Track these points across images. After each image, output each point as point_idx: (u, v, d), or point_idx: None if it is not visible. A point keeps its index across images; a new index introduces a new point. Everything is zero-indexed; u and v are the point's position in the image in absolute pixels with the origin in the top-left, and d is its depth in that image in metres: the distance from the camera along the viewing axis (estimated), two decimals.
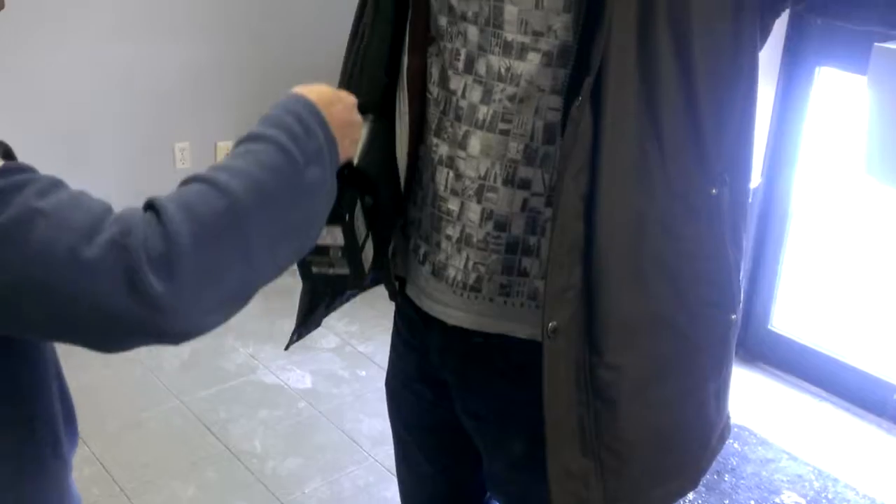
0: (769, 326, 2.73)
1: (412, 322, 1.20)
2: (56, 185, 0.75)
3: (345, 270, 1.02)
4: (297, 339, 1.28)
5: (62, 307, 0.72)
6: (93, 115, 3.08)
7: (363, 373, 2.72)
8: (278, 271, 0.83)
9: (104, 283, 0.71)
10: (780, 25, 0.98)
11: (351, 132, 0.95)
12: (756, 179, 2.60)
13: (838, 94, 2.49)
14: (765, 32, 0.98)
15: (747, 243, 1.19)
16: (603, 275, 0.96)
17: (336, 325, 2.90)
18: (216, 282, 0.76)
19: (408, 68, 1.09)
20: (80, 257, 0.70)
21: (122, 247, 0.71)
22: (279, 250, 0.82)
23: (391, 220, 1.12)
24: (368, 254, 1.04)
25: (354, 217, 0.98)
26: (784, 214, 2.64)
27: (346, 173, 0.96)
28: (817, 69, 2.48)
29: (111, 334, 0.75)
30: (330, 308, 1.27)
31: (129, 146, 3.19)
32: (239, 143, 0.84)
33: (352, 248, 1.00)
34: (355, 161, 0.99)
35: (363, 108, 1.01)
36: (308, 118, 0.86)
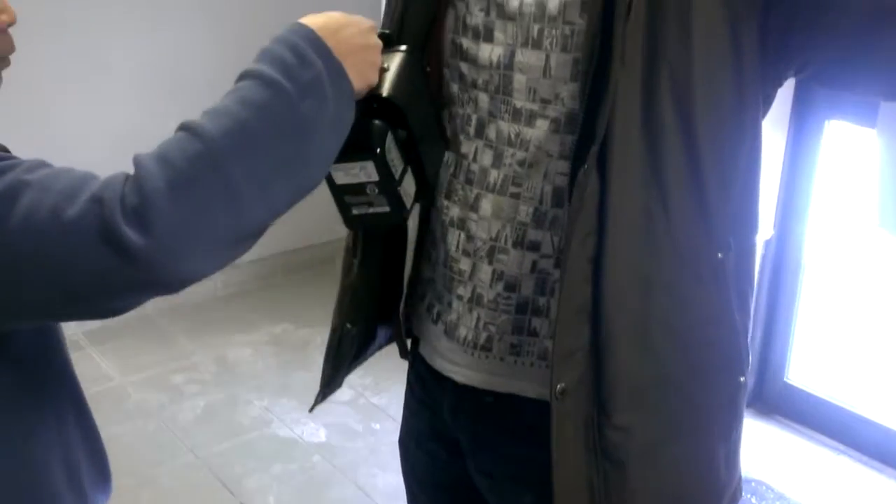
0: (785, 379, 2.71)
1: (425, 381, 1.21)
2: (44, 164, 0.77)
3: (384, 207, 0.98)
4: (322, 400, 1.30)
5: (53, 273, 0.72)
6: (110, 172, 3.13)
7: (377, 426, 2.72)
8: (276, 209, 0.80)
9: (85, 238, 0.71)
10: (789, 80, 0.99)
11: (367, 56, 0.90)
12: (768, 231, 2.61)
13: (847, 147, 2.50)
14: (767, 101, 1.00)
15: (754, 305, 1.19)
16: (611, 337, 0.97)
17: (350, 378, 2.86)
18: (200, 227, 0.74)
19: None
20: (63, 217, 0.71)
21: (99, 201, 0.72)
22: (271, 188, 0.79)
23: (434, 153, 1.06)
24: (409, 188, 1.00)
25: (386, 150, 0.94)
26: (797, 266, 2.64)
27: (376, 106, 0.94)
28: (826, 122, 2.50)
29: (103, 293, 0.74)
30: (352, 367, 1.28)
31: None
32: (241, 77, 0.82)
33: (387, 182, 0.96)
34: (385, 92, 0.94)
35: (391, 40, 0.97)
36: (304, 47, 0.82)
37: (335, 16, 0.88)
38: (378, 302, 1.21)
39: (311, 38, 0.83)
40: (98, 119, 3.04)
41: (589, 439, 0.99)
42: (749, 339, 1.06)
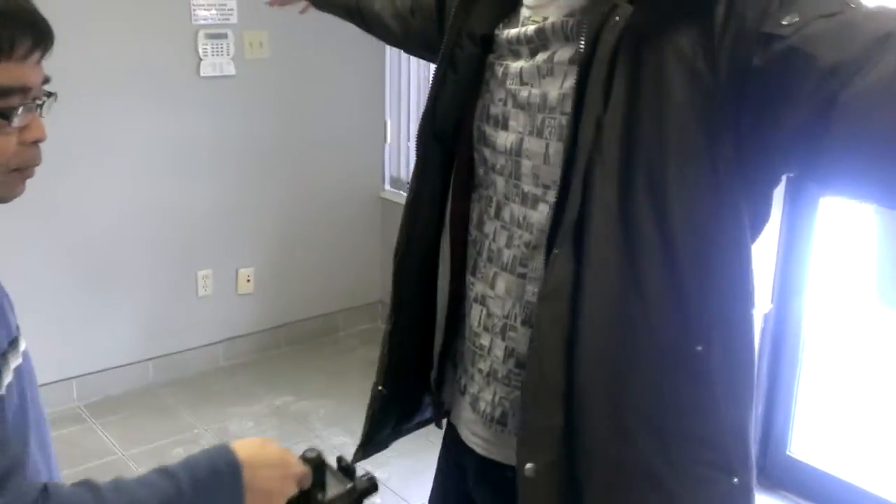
0: (788, 452, 2.71)
1: (457, 447, 1.23)
2: None
3: None
4: (363, 458, 1.32)
5: None
6: (119, 245, 3.19)
7: (378, 500, 2.70)
8: None
9: None
10: None
11: (271, 499, 0.97)
12: (767, 305, 2.63)
13: (844, 220, 2.54)
14: (766, 201, 0.98)
15: (757, 402, 1.13)
16: (584, 421, 0.96)
17: (351, 450, 2.88)
18: None
19: (451, 213, 1.17)
20: None
21: None
22: None
23: None
24: None
25: None
26: (797, 339, 2.66)
27: None
28: (821, 199, 2.54)
29: None
30: (399, 432, 1.32)
31: (154, 273, 3.28)
32: (155, 470, 0.91)
33: None
34: None
35: (325, 471, 1.03)
36: (221, 468, 0.92)
37: (270, 452, 0.97)
38: (415, 372, 1.25)
39: (232, 465, 0.93)
40: (106, 190, 3.12)
41: None
42: (747, 435, 1.00)
